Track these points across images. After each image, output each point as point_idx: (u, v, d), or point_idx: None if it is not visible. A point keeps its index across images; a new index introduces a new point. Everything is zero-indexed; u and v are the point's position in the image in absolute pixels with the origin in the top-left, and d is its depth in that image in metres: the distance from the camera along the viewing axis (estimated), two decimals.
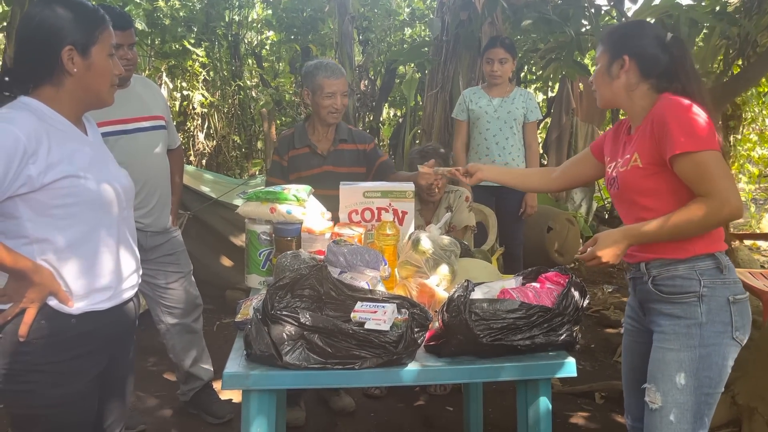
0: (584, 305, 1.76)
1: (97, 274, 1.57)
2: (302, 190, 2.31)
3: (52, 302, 1.51)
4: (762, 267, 5.90)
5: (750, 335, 1.76)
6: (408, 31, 8.60)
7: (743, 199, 7.33)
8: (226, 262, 4.45)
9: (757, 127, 8.11)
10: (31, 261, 1.47)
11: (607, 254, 1.72)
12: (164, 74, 6.65)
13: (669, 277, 1.72)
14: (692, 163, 1.62)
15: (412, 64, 6.93)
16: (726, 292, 1.70)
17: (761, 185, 9.33)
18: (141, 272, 1.75)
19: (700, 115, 1.64)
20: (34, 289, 1.47)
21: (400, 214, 2.35)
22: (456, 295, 1.67)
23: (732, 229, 6.15)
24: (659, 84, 1.75)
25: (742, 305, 1.72)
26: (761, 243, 7.12)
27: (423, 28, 8.26)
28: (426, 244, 1.97)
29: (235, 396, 3.12)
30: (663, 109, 1.68)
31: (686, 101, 1.67)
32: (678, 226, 1.65)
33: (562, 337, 1.69)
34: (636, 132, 1.79)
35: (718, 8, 3.96)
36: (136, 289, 1.72)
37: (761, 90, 6.71)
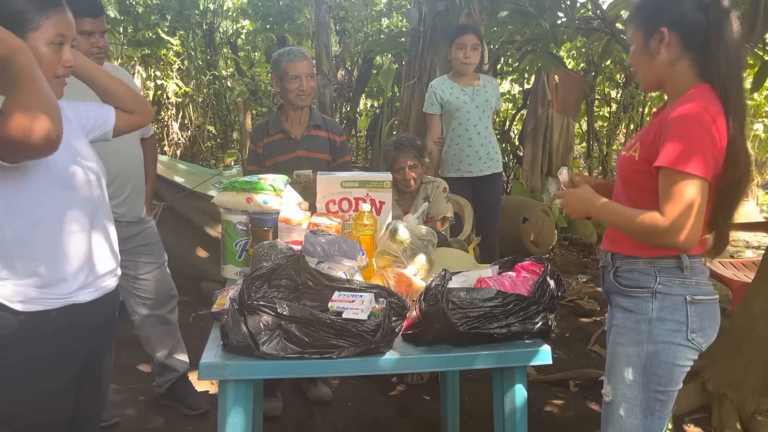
0: (560, 294, 1.77)
1: (69, 258, 1.52)
2: (279, 179, 2.30)
3: (31, 296, 1.47)
4: (731, 257, 6.03)
5: (720, 324, 1.75)
6: (385, 21, 8.57)
7: None
8: (202, 253, 4.41)
9: None
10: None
11: (569, 201, 1.73)
12: (137, 63, 6.52)
13: (628, 269, 1.69)
14: (669, 179, 1.53)
15: (389, 55, 6.91)
16: (684, 291, 1.63)
17: None
18: (119, 263, 1.71)
19: (712, 133, 1.52)
20: None
21: (378, 204, 2.35)
22: (433, 284, 1.68)
23: None
24: (700, 59, 1.60)
25: (703, 307, 1.65)
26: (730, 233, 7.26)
27: (400, 18, 8.24)
28: (403, 233, 1.97)
29: (211, 387, 3.11)
30: (678, 111, 1.55)
31: (708, 112, 1.53)
32: (627, 224, 1.60)
33: (538, 326, 1.71)
34: (656, 117, 1.67)
35: None
36: (115, 281, 1.68)
37: None
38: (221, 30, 8.21)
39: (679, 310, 1.63)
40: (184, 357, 2.97)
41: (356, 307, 1.58)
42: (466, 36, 3.72)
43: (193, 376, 3.03)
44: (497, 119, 5.51)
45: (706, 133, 1.53)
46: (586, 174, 8.20)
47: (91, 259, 1.58)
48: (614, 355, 1.71)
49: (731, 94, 1.58)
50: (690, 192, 1.51)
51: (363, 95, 8.40)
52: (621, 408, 1.68)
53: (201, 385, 3.05)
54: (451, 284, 1.73)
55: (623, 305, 1.70)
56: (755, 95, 7.48)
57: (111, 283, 1.66)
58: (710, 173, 1.54)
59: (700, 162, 1.51)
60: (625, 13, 4.17)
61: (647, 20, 1.65)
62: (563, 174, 1.86)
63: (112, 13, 6.18)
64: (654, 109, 1.89)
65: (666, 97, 1.76)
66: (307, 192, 2.50)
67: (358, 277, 1.85)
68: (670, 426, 2.81)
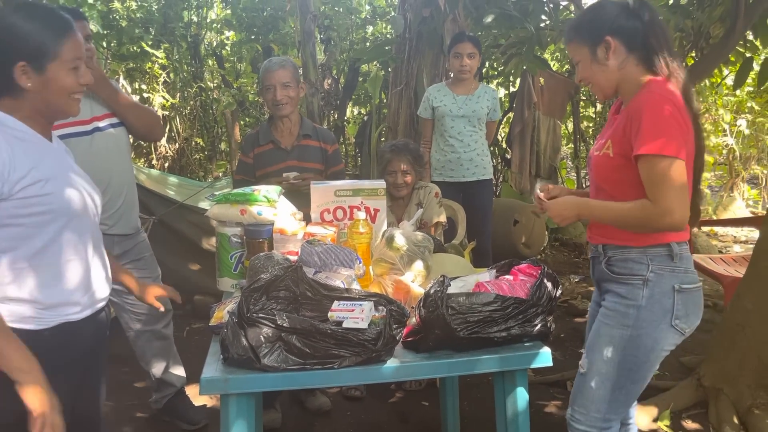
0: (557, 295, 1.79)
1: (68, 283, 1.53)
2: (272, 190, 2.29)
3: (25, 315, 1.46)
4: (720, 252, 6.09)
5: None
6: (370, 29, 8.59)
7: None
8: (194, 266, 4.38)
9: (710, 117, 8.35)
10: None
11: (555, 212, 1.84)
12: (122, 77, 6.49)
13: (622, 259, 1.78)
14: (650, 166, 1.63)
15: (376, 62, 6.93)
16: (673, 280, 1.74)
17: (716, 173, 9.63)
18: (111, 281, 1.72)
19: (677, 116, 1.63)
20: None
21: (372, 212, 2.35)
22: (432, 291, 1.68)
23: None
24: (644, 56, 1.73)
25: (688, 294, 1.75)
26: (718, 229, 7.35)
27: (385, 25, 8.27)
28: (400, 240, 1.98)
29: (209, 401, 3.09)
30: (643, 103, 1.66)
31: (669, 99, 1.64)
32: (620, 217, 1.72)
33: (537, 328, 1.72)
34: (620, 114, 1.77)
35: (672, 1, 4.07)
36: (107, 298, 1.69)
37: (714, 81, 6.91)
38: (206, 42, 8.20)
39: (667, 298, 1.74)
40: (180, 371, 2.95)
41: (356, 316, 1.58)
42: (462, 44, 3.77)
43: (190, 390, 3.01)
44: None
45: (672, 118, 1.64)
46: (574, 175, 8.25)
47: (90, 286, 1.59)
48: (598, 333, 1.82)
49: (681, 79, 1.72)
50: (672, 173, 1.62)
51: (350, 103, 8.41)
52: (593, 380, 1.80)
53: (199, 399, 3.03)
54: (450, 290, 1.73)
55: (615, 290, 1.81)
56: (737, 92, 7.57)
57: (103, 302, 1.66)
58: (685, 153, 1.65)
59: (675, 144, 1.62)
60: None
61: (589, 34, 1.77)
62: (537, 189, 2.01)
63: (95, 27, 6.11)
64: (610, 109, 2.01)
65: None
66: (296, 196, 2.49)
67: (356, 286, 1.85)
68: (668, 422, 2.83)
